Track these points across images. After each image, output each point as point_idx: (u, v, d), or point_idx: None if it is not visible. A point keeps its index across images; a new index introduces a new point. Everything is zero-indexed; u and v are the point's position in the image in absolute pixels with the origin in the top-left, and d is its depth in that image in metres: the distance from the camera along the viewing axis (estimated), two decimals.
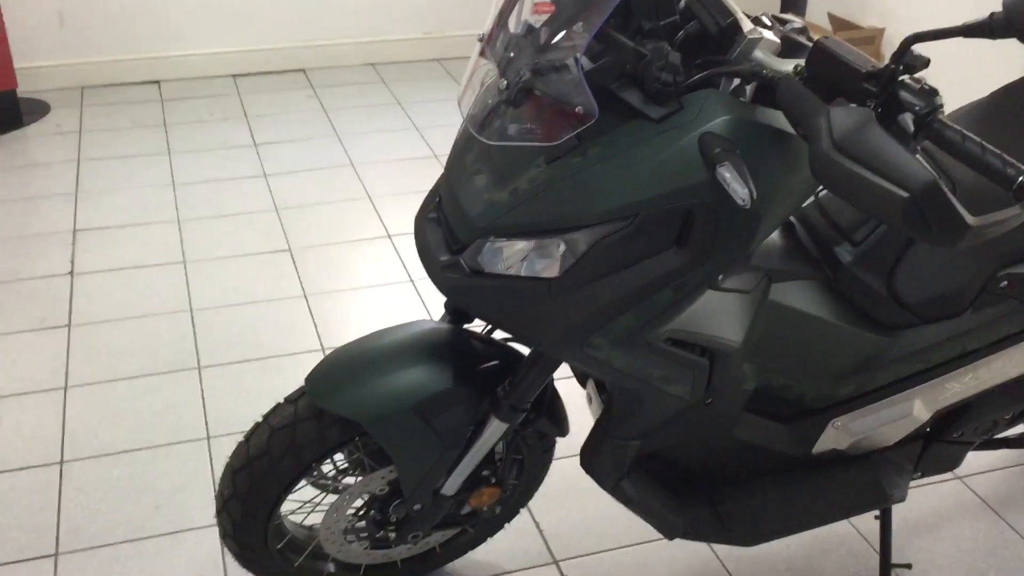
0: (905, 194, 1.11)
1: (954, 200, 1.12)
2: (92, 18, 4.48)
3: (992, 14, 1.20)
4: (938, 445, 1.87)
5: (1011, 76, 1.93)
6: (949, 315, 1.67)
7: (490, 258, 1.39)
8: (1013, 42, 1.29)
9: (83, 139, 4.10)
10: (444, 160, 3.91)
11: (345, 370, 1.65)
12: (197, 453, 2.41)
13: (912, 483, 1.88)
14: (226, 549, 2.07)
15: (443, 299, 1.73)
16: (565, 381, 1.83)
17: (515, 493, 1.94)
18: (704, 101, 1.30)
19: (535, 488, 1.98)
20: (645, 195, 1.31)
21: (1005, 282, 1.66)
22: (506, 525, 2.05)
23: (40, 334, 2.83)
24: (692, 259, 1.36)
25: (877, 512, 2.00)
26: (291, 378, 2.60)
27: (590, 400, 1.82)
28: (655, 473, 1.76)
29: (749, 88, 1.37)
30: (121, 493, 2.28)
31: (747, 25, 1.35)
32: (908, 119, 1.21)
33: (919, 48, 1.20)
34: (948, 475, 2.39)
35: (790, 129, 1.31)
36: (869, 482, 1.81)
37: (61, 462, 2.37)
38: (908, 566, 2.11)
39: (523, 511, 2.20)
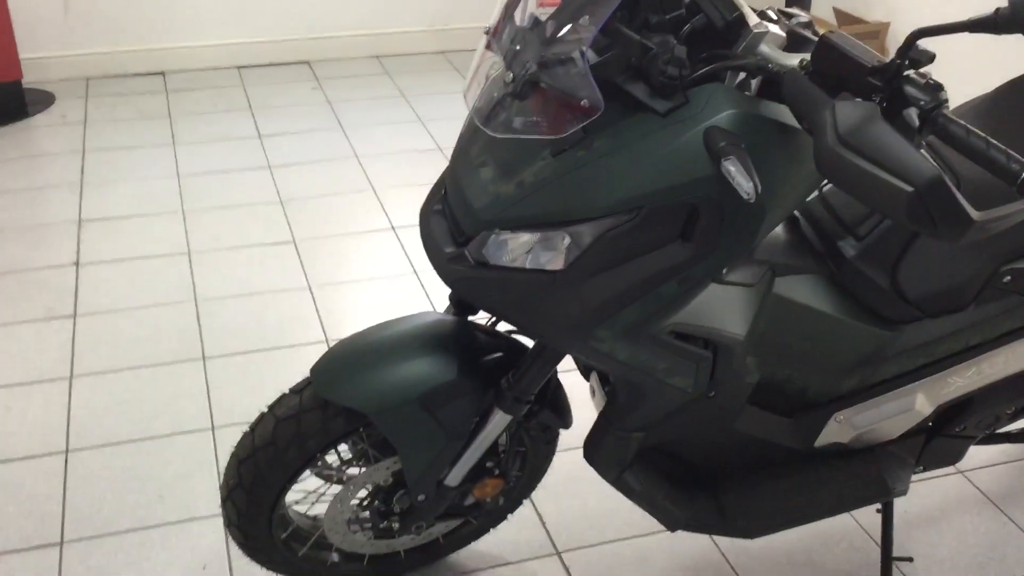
0: (909, 189, 1.12)
1: (958, 195, 1.12)
2: (97, 9, 4.49)
3: (998, 9, 1.20)
4: (940, 439, 1.87)
5: (1016, 71, 1.93)
6: (952, 310, 1.67)
7: (495, 250, 1.39)
8: (1018, 37, 1.29)
9: (88, 130, 4.10)
10: (448, 153, 3.92)
11: (350, 361, 1.66)
12: (202, 443, 2.42)
13: (914, 477, 1.88)
14: (230, 538, 2.09)
15: (447, 291, 1.73)
16: (569, 373, 1.84)
17: (518, 485, 1.95)
18: (710, 95, 1.30)
19: (538, 480, 1.98)
20: (650, 188, 1.31)
21: (1008, 277, 1.66)
22: (509, 516, 2.06)
23: (46, 324, 2.84)
24: (696, 252, 1.36)
25: (879, 505, 2.00)
26: (295, 369, 2.61)
27: (593, 392, 1.82)
28: (658, 465, 1.76)
29: (754, 82, 1.37)
30: (126, 482, 2.29)
31: (753, 19, 1.35)
32: (913, 114, 1.21)
33: (924, 43, 1.21)
34: (950, 469, 2.40)
35: (795, 123, 1.31)
36: (871, 476, 1.81)
37: (66, 451, 2.38)
38: (909, 559, 2.12)
39: (526, 502, 2.21)
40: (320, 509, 1.90)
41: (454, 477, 1.75)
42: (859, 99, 1.21)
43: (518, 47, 1.37)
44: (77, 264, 3.15)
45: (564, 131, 1.31)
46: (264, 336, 2.82)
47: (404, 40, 5.03)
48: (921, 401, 1.74)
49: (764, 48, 1.33)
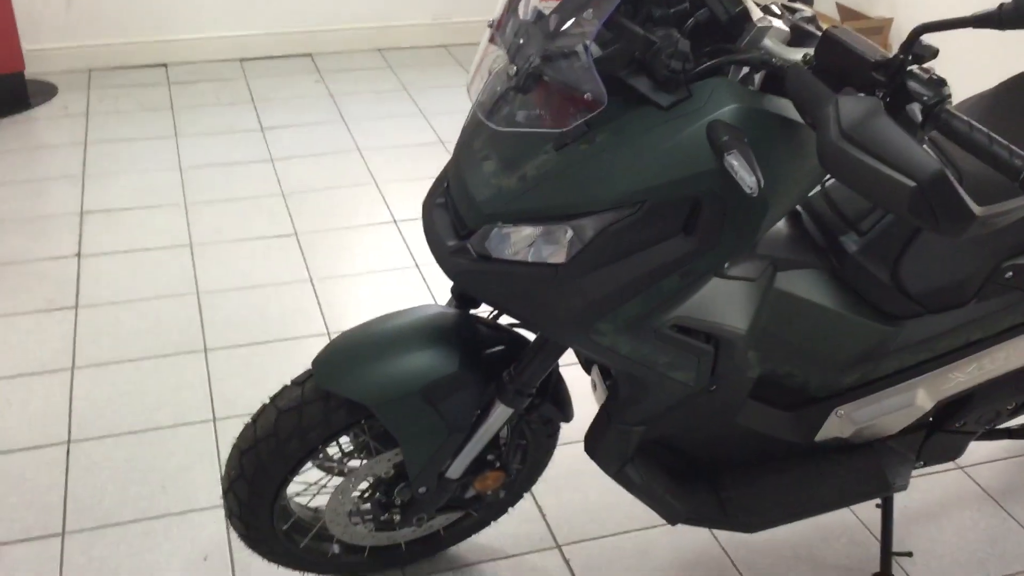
0: (912, 183, 1.12)
1: (961, 190, 1.12)
2: (100, 1, 4.48)
3: (1001, 4, 1.20)
4: (940, 435, 1.88)
5: (1019, 67, 1.93)
6: (954, 305, 1.67)
7: (497, 243, 1.39)
8: (1022, 33, 1.29)
9: (90, 121, 4.10)
10: (451, 146, 3.92)
11: (352, 353, 1.66)
12: (203, 435, 2.42)
13: (914, 472, 1.88)
14: (232, 529, 2.09)
15: (449, 284, 1.73)
16: (570, 367, 1.84)
17: (519, 478, 1.95)
18: (713, 89, 1.30)
19: (539, 473, 1.99)
20: (653, 182, 1.31)
21: (1010, 273, 1.66)
22: (510, 509, 2.06)
23: (48, 315, 2.85)
24: (699, 247, 1.36)
25: (879, 500, 2.01)
26: (296, 361, 2.61)
27: (595, 386, 1.83)
28: (659, 459, 1.77)
29: (758, 76, 1.37)
30: (128, 473, 2.30)
31: (757, 13, 1.35)
32: (916, 109, 1.21)
33: (928, 38, 1.21)
34: (950, 465, 2.40)
35: (798, 118, 1.31)
36: (871, 470, 1.82)
37: (68, 442, 2.39)
38: (909, 554, 2.12)
39: (527, 495, 2.21)
40: (321, 501, 1.91)
41: (455, 470, 1.76)
42: (862, 94, 1.21)
43: (522, 41, 1.37)
44: (79, 256, 3.15)
45: (567, 125, 1.31)
46: (266, 328, 2.83)
47: (407, 33, 5.02)
48: (922, 396, 1.75)
49: (767, 42, 1.33)
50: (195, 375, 2.63)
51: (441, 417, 1.64)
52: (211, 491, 2.25)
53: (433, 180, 1.61)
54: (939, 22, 1.19)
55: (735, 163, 1.21)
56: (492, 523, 2.08)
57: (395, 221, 3.43)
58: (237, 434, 1.77)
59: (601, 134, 1.33)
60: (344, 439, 1.78)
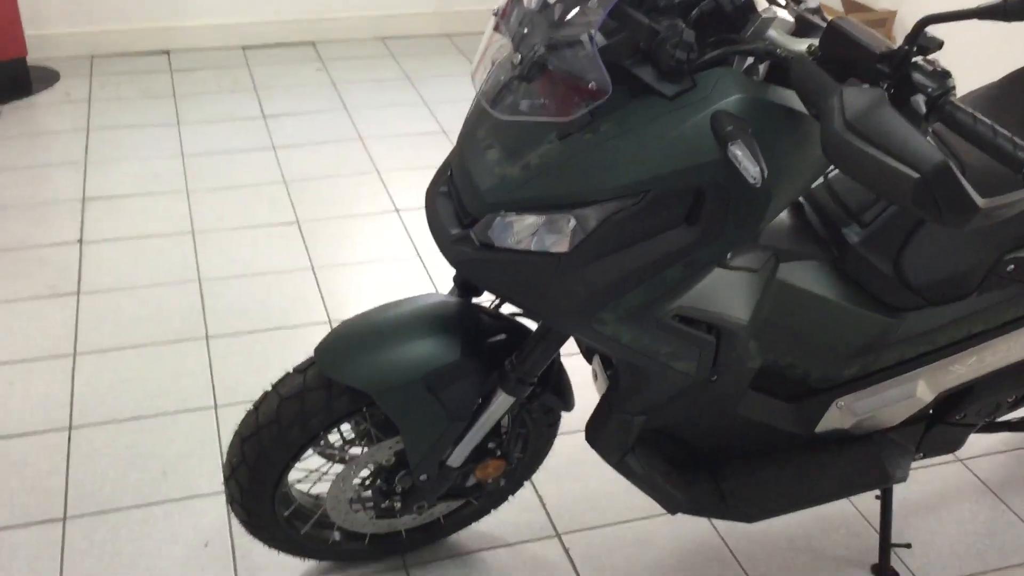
0: (916, 175, 1.12)
1: (964, 182, 1.13)
2: None
3: None
4: (941, 427, 1.88)
5: None
6: (955, 298, 1.67)
7: (500, 232, 1.39)
8: None
9: (92, 108, 4.10)
10: (453, 136, 3.92)
11: (354, 341, 1.66)
12: (204, 421, 2.43)
13: (913, 464, 1.89)
14: (233, 516, 2.10)
15: (451, 273, 1.73)
16: (571, 357, 1.84)
17: (520, 466, 1.96)
18: (717, 79, 1.30)
19: (539, 462, 1.99)
20: (656, 172, 1.31)
21: (1012, 266, 1.66)
22: (510, 498, 2.07)
23: (49, 301, 2.85)
24: (701, 236, 1.36)
25: (878, 492, 2.01)
26: (298, 349, 2.62)
27: (596, 376, 1.83)
28: (659, 449, 1.77)
29: (762, 67, 1.37)
30: (129, 459, 2.30)
31: (762, 4, 1.35)
32: (920, 100, 1.21)
33: (932, 30, 1.21)
34: (949, 457, 2.40)
35: (803, 108, 1.31)
36: (871, 462, 1.82)
37: (70, 428, 2.39)
38: (907, 546, 2.13)
39: (527, 484, 2.22)
40: (322, 488, 1.91)
41: (456, 458, 1.76)
42: (867, 85, 1.21)
43: (526, 29, 1.37)
44: (81, 242, 3.15)
45: (571, 114, 1.31)
46: (267, 316, 2.83)
47: (410, 22, 5.01)
48: (922, 388, 1.75)
49: (772, 33, 1.33)
50: (196, 362, 2.63)
51: (442, 405, 1.64)
52: (212, 478, 2.26)
53: (435, 169, 1.61)
54: (944, 14, 1.19)
55: (739, 153, 1.21)
56: (492, 511, 2.09)
57: (397, 210, 3.42)
58: (238, 421, 1.77)
59: (605, 123, 1.33)
60: (345, 426, 1.78)
